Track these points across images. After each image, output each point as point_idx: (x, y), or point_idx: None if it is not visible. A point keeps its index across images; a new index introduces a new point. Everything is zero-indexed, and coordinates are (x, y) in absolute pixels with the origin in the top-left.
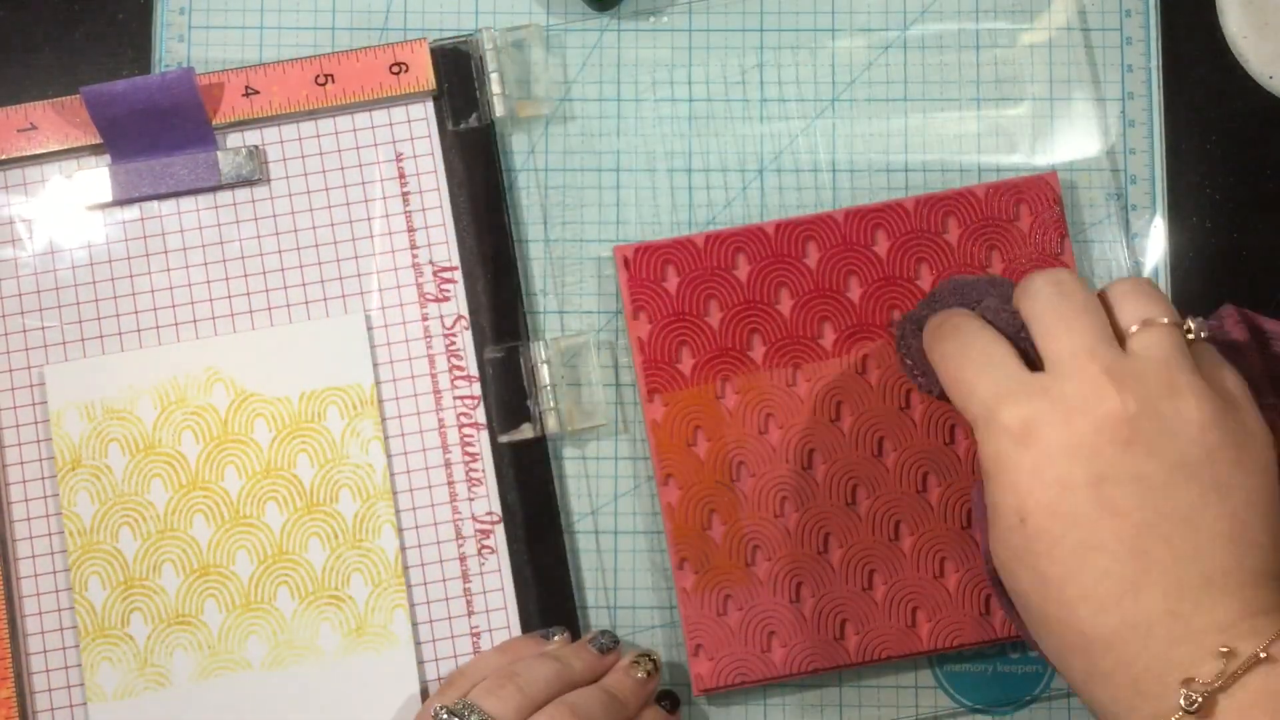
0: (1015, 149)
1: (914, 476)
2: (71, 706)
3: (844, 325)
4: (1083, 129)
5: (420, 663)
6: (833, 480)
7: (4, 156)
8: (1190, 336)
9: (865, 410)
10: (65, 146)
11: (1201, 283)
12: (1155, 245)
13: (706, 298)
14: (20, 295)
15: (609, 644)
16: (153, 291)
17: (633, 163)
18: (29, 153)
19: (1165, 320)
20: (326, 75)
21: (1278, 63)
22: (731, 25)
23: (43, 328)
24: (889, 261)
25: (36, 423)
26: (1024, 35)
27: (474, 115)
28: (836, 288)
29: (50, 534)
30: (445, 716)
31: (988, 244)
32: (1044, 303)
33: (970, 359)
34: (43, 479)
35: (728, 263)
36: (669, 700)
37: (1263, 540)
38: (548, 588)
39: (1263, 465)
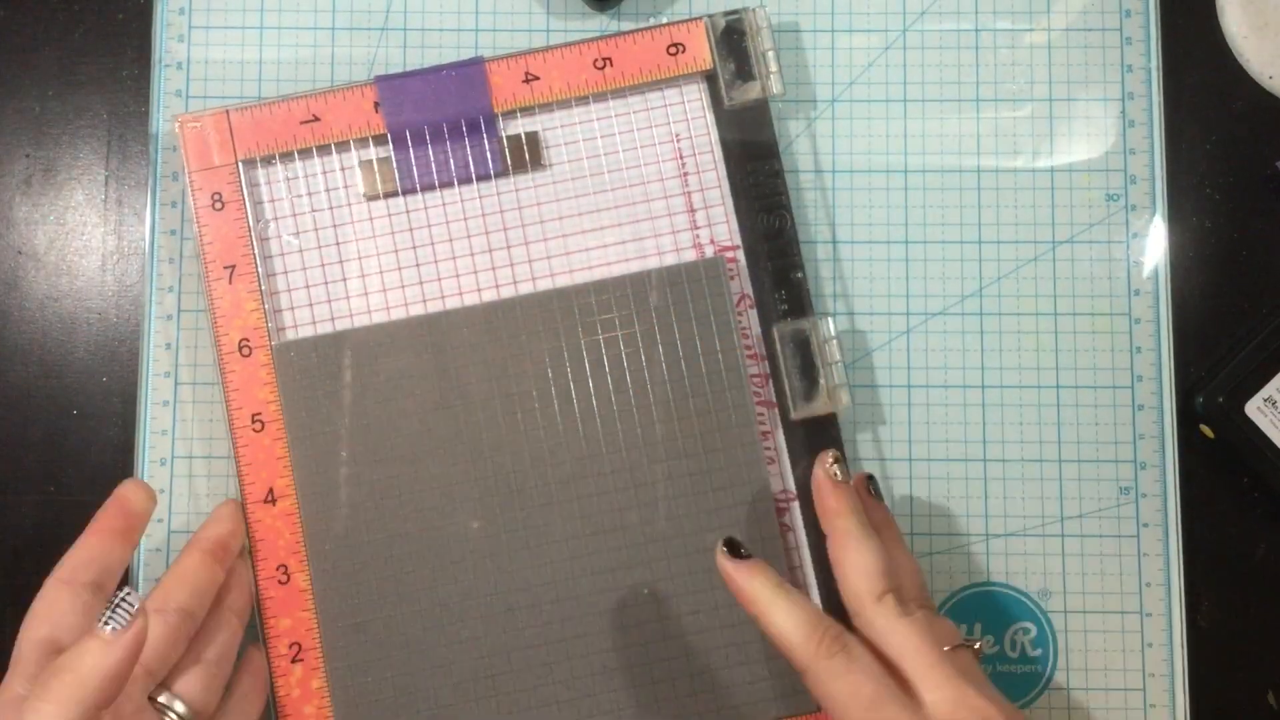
0: (1016, 149)
1: None
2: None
3: None
4: (1083, 129)
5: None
6: None
7: (287, 149)
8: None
9: None
10: (346, 137)
11: (1201, 283)
12: (1155, 245)
13: None
14: (308, 287)
15: None
16: (437, 280)
17: None
18: (311, 144)
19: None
20: (605, 59)
21: (1278, 63)
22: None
23: (332, 319)
24: None
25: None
26: (1024, 35)
27: (750, 93)
28: None
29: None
30: None
31: None
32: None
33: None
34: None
35: None
36: None
37: None
38: None
39: None
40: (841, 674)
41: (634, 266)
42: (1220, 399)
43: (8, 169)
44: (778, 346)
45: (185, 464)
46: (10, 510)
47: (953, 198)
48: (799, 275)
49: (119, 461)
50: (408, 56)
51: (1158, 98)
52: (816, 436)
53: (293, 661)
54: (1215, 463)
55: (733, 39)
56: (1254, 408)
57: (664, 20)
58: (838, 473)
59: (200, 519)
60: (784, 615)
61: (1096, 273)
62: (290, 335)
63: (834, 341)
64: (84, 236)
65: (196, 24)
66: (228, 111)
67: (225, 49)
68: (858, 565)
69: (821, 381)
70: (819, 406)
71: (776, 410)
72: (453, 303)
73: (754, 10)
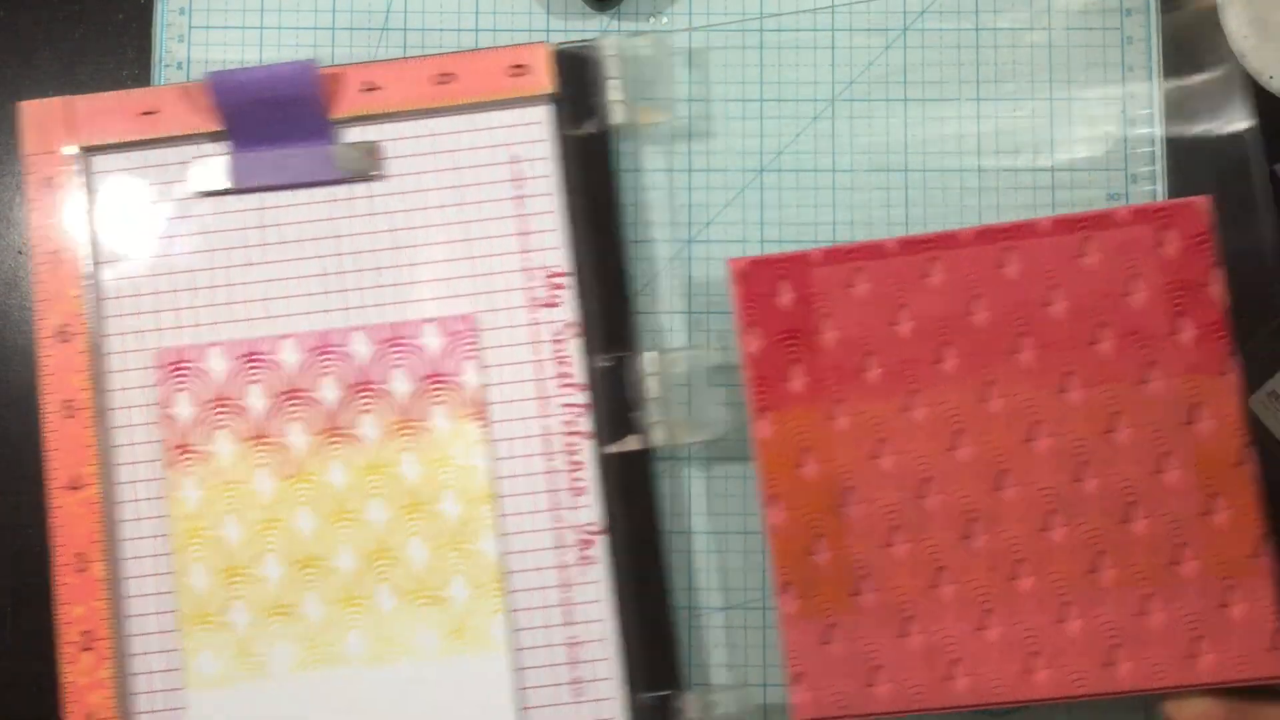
0: (1016, 149)
1: (1037, 513)
2: (170, 691)
3: (967, 351)
4: (1083, 129)
5: (517, 669)
6: (947, 512)
7: (125, 139)
8: None
9: (986, 441)
10: (186, 132)
11: None
12: None
13: (821, 315)
14: (135, 278)
15: None
16: (265, 281)
17: (737, 164)
18: (149, 136)
19: None
20: (447, 74)
21: (1278, 63)
22: (731, 25)
23: (156, 311)
24: (1020, 285)
25: (146, 405)
26: (1024, 35)
27: (592, 121)
28: (961, 311)
29: (156, 517)
30: None
31: (1129, 271)
32: None
33: None
34: (150, 462)
35: (845, 280)
36: None
37: None
38: (647, 603)
39: None
40: None
41: (463, 286)
42: None
43: (8, 169)
44: (595, 378)
45: None
46: (10, 510)
47: (953, 198)
48: (626, 308)
49: None
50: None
51: (1158, 98)
52: (628, 472)
53: (83, 650)
54: None
55: (577, 65)
56: (1258, 402)
57: (664, 19)
58: None
59: None
60: None
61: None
62: (111, 325)
63: (654, 377)
64: None
65: (196, 24)
66: (71, 98)
67: (225, 49)
68: None
69: (637, 417)
70: (632, 442)
71: (591, 442)
72: (277, 307)
73: (603, 37)
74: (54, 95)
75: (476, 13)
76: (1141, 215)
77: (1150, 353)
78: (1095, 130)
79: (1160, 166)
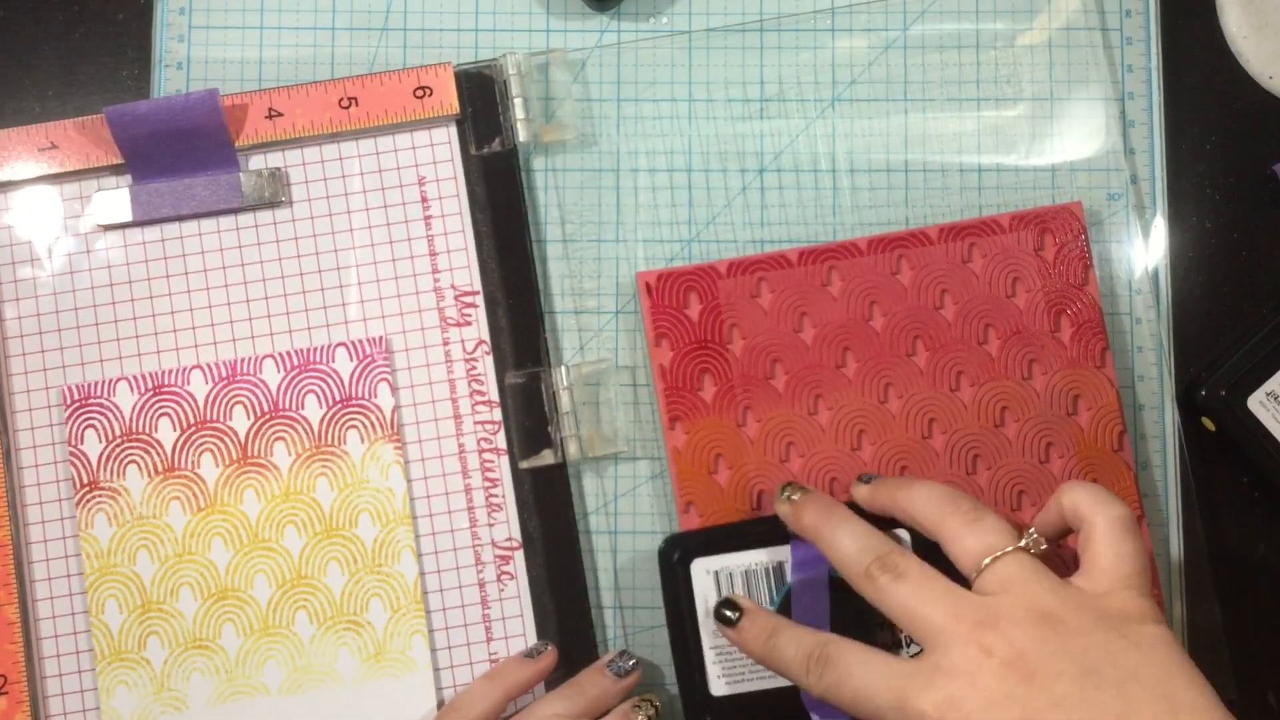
0: (1015, 149)
1: None
2: None
3: (866, 354)
4: (1083, 129)
5: (439, 689)
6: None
7: (25, 176)
8: (1031, 551)
9: (887, 440)
10: (86, 166)
11: (1201, 283)
12: (1155, 245)
13: (729, 325)
14: (39, 315)
15: (627, 668)
16: (173, 313)
17: (650, 165)
18: (49, 172)
19: (1008, 548)
20: (350, 98)
21: (1277, 62)
22: (731, 25)
23: (61, 348)
24: (913, 291)
25: (54, 444)
26: (1024, 35)
27: (497, 140)
28: (859, 316)
29: (67, 556)
30: None
31: (1011, 275)
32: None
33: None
34: (60, 500)
35: (750, 290)
36: None
37: (1192, 698)
38: (567, 615)
39: (1154, 635)
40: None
41: (374, 309)
42: (1223, 392)
43: None
44: (508, 395)
45: None
46: None
47: (954, 198)
48: (536, 324)
49: None
50: (408, 56)
51: (1158, 98)
52: (544, 486)
53: None
54: (1215, 463)
55: (482, 85)
56: (1256, 401)
57: (664, 19)
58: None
59: None
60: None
61: (1097, 272)
62: (15, 364)
63: (567, 391)
64: None
65: (196, 24)
66: None
67: (225, 49)
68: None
69: (551, 432)
70: (546, 457)
71: (506, 458)
72: (184, 338)
73: (505, 57)
74: (54, 95)
75: (476, 13)
76: (1021, 221)
77: (1033, 350)
78: (1095, 130)
79: (1160, 167)
